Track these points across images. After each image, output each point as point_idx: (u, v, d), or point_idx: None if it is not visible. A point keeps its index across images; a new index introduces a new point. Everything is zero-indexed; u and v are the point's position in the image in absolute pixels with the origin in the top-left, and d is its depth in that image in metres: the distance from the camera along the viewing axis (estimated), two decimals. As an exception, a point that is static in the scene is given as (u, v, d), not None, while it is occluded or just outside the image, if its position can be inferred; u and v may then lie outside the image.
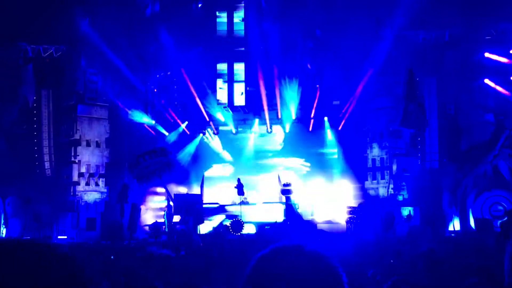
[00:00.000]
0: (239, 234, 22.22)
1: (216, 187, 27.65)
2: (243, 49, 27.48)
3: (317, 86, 27.43)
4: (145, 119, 27.62)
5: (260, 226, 23.22)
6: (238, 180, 25.14)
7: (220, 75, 28.04)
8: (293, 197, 24.15)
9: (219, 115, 28.27)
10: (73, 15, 25.37)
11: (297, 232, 20.85)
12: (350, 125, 27.29)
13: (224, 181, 27.74)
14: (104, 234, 24.87)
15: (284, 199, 24.65)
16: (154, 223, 24.00)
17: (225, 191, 26.96)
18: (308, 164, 27.86)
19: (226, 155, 28.62)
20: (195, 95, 27.83)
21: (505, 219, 15.97)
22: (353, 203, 25.00)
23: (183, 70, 27.46)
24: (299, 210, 24.22)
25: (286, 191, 23.96)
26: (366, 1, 24.95)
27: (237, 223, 22.70)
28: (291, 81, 27.28)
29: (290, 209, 23.38)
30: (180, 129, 28.43)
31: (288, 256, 2.24)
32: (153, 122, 27.90)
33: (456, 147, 25.54)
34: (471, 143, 25.12)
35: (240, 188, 24.82)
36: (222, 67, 28.08)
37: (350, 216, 22.73)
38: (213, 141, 28.80)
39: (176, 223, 22.76)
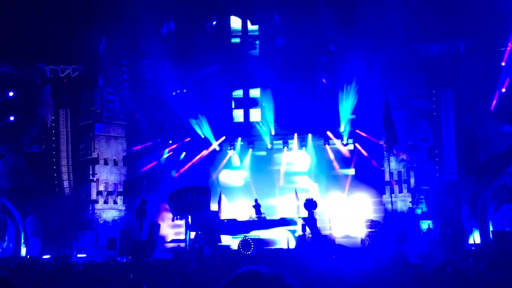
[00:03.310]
0: (249, 253, 22.15)
1: (235, 203, 27.64)
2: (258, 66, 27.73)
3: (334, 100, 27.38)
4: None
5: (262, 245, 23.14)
6: (256, 200, 25.15)
7: (236, 100, 28.53)
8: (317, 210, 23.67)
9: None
10: (89, 36, 25.73)
11: (317, 248, 20.74)
12: (367, 138, 27.15)
13: (239, 192, 27.70)
14: (124, 251, 24.92)
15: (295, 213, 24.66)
16: (177, 247, 24.06)
17: (242, 207, 26.93)
18: (316, 185, 27.73)
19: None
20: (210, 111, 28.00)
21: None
22: (372, 217, 24.83)
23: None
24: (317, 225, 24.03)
25: (310, 205, 23.25)
26: (380, 15, 24.98)
27: (246, 242, 22.63)
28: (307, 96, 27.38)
29: (313, 224, 23.04)
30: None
31: (248, 282, 2.34)
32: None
33: (474, 159, 25.34)
34: (489, 155, 24.90)
35: (257, 208, 24.84)
36: (238, 92, 28.62)
37: (369, 230, 22.52)
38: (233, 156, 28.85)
39: (193, 240, 22.82)
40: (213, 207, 25.84)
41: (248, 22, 28.61)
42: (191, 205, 22.39)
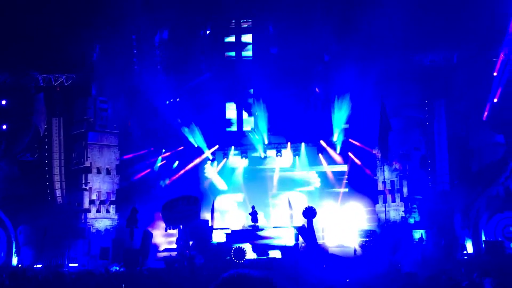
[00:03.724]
0: (241, 261, 22.10)
1: (227, 213, 27.61)
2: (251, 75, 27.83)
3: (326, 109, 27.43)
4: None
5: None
6: (253, 207, 25.08)
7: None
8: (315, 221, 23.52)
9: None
10: (83, 45, 25.73)
11: (310, 258, 20.68)
12: (360, 147, 27.21)
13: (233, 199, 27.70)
14: (116, 260, 24.77)
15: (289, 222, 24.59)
16: (169, 256, 23.95)
17: (235, 216, 26.89)
18: (316, 176, 27.77)
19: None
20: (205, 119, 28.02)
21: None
22: (365, 226, 24.84)
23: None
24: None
25: (310, 213, 22.98)
26: (374, 25, 25.10)
27: (239, 250, 22.60)
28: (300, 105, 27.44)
29: (311, 233, 22.93)
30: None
31: (238, 284, 2.34)
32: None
33: (467, 169, 25.41)
34: (482, 165, 24.98)
35: (254, 216, 24.76)
36: (231, 107, 28.88)
37: (363, 239, 22.49)
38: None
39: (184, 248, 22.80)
40: (206, 216, 25.79)
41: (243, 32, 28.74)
42: (183, 216, 22.41)
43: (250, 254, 23.05)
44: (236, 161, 28.70)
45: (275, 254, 23.32)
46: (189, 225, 22.59)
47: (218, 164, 28.63)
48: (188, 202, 22.69)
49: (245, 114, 28.97)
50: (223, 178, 28.55)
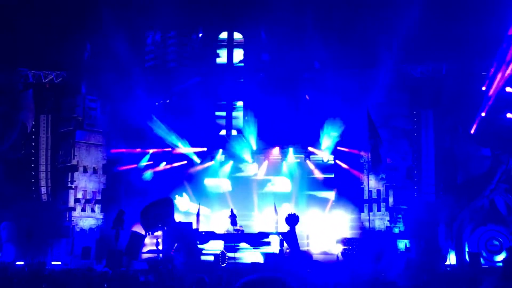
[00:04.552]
0: (224, 265, 22.09)
1: (213, 216, 27.57)
2: (242, 80, 27.87)
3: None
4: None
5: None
6: (231, 210, 25.04)
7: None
8: (297, 227, 23.62)
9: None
10: (74, 43, 25.67)
11: (294, 263, 20.73)
12: (347, 156, 27.31)
13: (221, 200, 27.66)
14: (100, 260, 24.66)
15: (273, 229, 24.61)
16: (153, 257, 23.86)
17: (220, 220, 26.88)
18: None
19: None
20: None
21: (506, 256, 15.83)
22: (349, 234, 24.92)
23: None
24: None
25: (292, 220, 23.19)
26: (365, 35, 25.26)
27: (222, 255, 22.62)
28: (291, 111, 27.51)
29: (293, 239, 23.03)
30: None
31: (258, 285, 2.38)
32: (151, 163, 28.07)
33: (452, 180, 25.57)
34: (467, 177, 25.13)
35: (233, 219, 24.71)
36: (220, 111, 28.93)
37: (345, 247, 22.58)
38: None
39: (168, 251, 22.75)
40: (191, 219, 25.75)
41: (234, 36, 28.81)
42: (161, 218, 22.51)
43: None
44: (223, 164, 28.71)
45: (258, 259, 23.32)
46: (166, 226, 22.74)
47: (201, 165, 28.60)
48: (161, 205, 22.84)
49: (234, 119, 29.03)
50: (210, 181, 28.51)
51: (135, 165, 27.63)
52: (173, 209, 23.24)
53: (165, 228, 22.94)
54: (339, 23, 25.82)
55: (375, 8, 24.81)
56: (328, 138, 27.17)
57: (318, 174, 27.93)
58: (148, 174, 27.61)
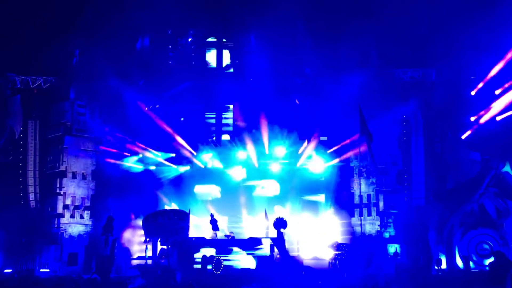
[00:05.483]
0: (219, 272, 21.89)
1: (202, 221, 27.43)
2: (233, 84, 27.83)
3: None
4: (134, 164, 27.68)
5: None
6: (211, 215, 24.81)
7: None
8: (286, 232, 23.54)
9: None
10: (63, 47, 25.53)
11: (284, 269, 20.62)
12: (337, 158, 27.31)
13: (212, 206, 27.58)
14: (89, 267, 24.44)
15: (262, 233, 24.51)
16: (144, 264, 23.63)
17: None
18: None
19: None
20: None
21: (493, 260, 15.81)
22: (340, 239, 24.86)
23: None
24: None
25: (280, 224, 23.08)
26: (356, 40, 25.33)
27: (217, 262, 22.39)
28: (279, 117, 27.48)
29: (282, 244, 22.90)
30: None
31: None
32: (142, 167, 27.89)
33: (442, 185, 25.64)
34: (457, 181, 25.20)
35: (214, 224, 24.49)
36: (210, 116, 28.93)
37: (336, 253, 22.49)
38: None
39: (159, 257, 22.54)
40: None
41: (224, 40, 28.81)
42: (167, 229, 22.15)
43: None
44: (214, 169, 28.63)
45: (250, 264, 23.18)
46: (176, 238, 22.27)
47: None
48: (174, 215, 22.48)
49: (224, 124, 28.99)
50: (200, 189, 28.41)
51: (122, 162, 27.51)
52: (188, 225, 22.87)
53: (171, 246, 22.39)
54: (329, 28, 25.85)
55: (366, 13, 24.85)
56: (317, 141, 27.21)
57: (308, 178, 27.88)
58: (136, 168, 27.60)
